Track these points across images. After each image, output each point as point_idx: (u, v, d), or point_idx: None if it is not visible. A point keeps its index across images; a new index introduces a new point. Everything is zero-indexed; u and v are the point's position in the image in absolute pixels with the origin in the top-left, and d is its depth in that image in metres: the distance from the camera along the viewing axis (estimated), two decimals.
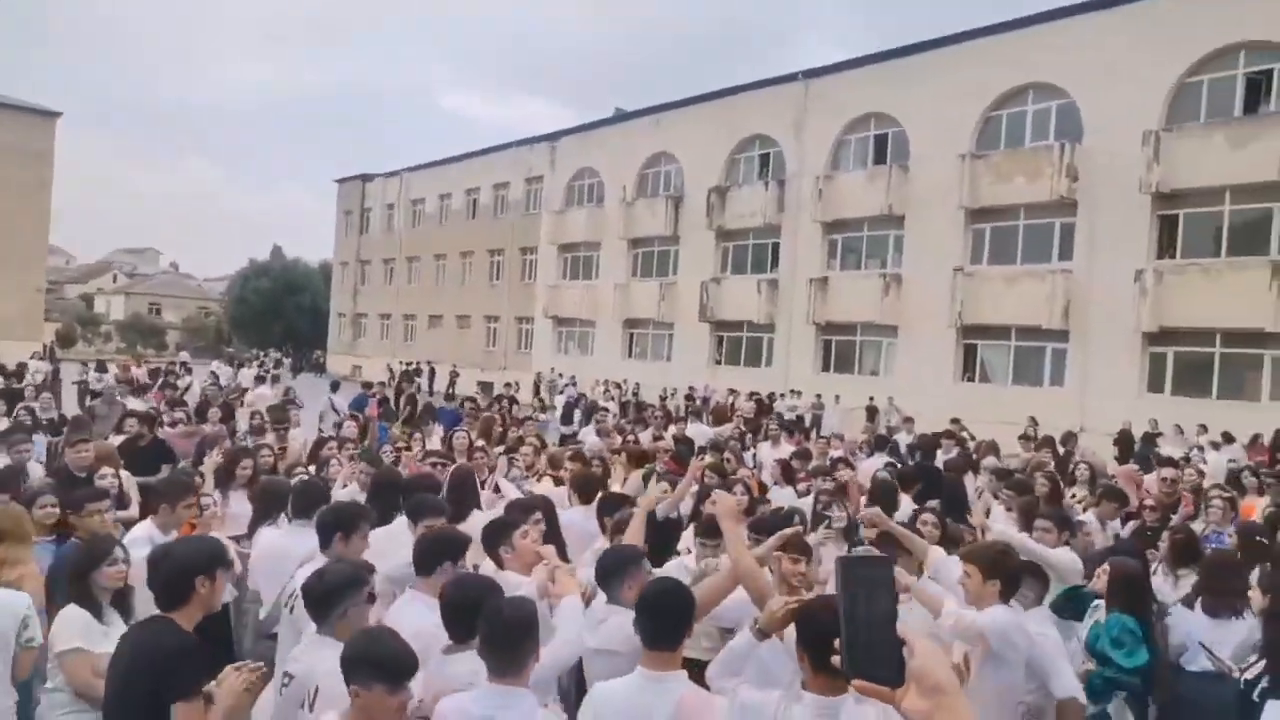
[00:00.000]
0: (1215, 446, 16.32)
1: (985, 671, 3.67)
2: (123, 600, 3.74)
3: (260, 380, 14.41)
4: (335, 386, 16.74)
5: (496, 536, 4.34)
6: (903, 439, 14.25)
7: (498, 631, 2.80)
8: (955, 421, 17.37)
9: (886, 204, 25.12)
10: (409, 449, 8.59)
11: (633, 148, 33.66)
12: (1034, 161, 22.33)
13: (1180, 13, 20.11)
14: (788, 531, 3.95)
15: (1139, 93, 20.56)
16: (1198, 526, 6.83)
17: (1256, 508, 8.26)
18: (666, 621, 2.97)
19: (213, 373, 21.34)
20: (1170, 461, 10.19)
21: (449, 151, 46.01)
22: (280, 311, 54.65)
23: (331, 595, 3.10)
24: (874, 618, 1.09)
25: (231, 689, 2.65)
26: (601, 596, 3.66)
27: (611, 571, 3.62)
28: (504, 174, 40.00)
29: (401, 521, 4.77)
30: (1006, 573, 3.97)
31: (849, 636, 1.10)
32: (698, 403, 22.73)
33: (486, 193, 41.33)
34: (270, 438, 9.05)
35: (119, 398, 13.46)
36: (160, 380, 17.96)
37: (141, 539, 4.65)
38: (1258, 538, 6.05)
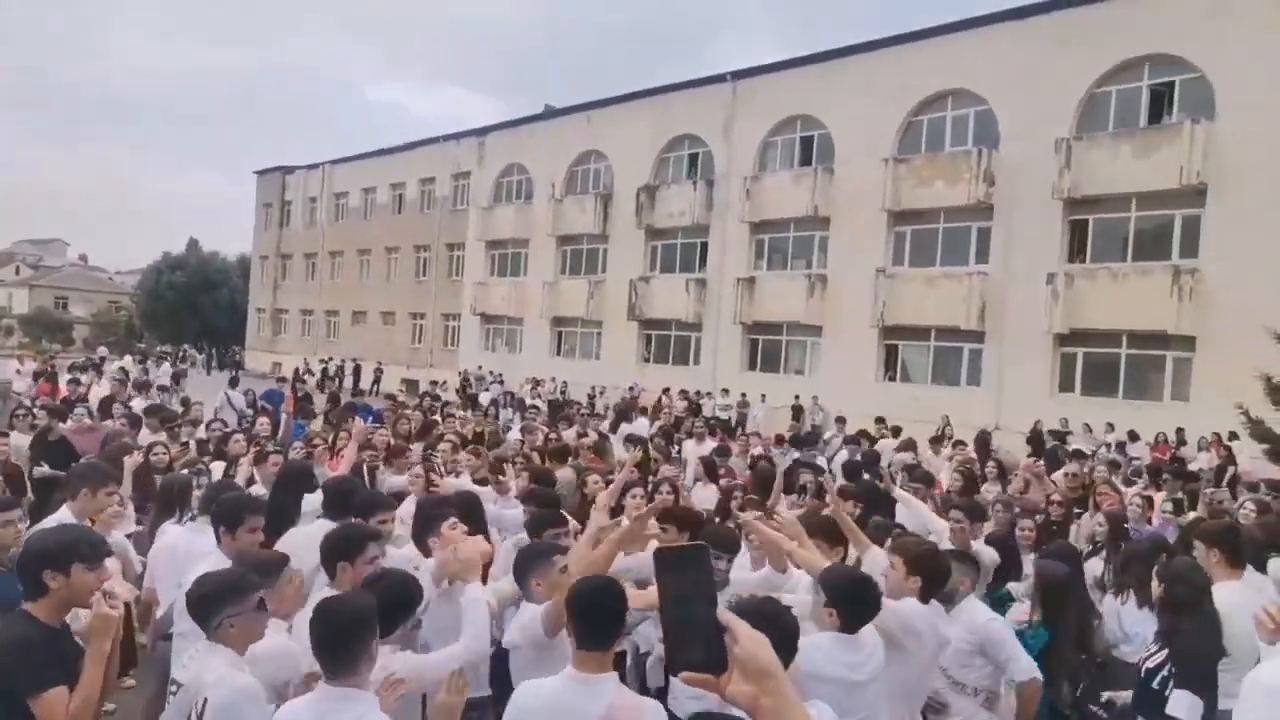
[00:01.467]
0: (1120, 446, 17.02)
1: (888, 662, 3.67)
2: None
3: (176, 380, 13.76)
4: (234, 382, 16.23)
5: (424, 527, 4.32)
6: (835, 442, 14.44)
7: (328, 632, 2.68)
8: (880, 421, 17.78)
9: (812, 205, 25.49)
10: (326, 446, 8.36)
11: (563, 145, 33.48)
12: (953, 166, 22.93)
13: (1091, 25, 20.87)
14: (657, 505, 4.06)
15: (1052, 101, 21.27)
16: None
17: (1157, 501, 8.58)
18: (598, 620, 2.88)
19: (121, 369, 20.46)
20: (1077, 455, 10.55)
21: (373, 144, 45.18)
22: (196, 307, 52.79)
23: (210, 603, 2.95)
24: (693, 607, 1.08)
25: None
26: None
27: (519, 567, 3.56)
28: (431, 169, 39.37)
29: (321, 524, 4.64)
30: (931, 572, 3.89)
31: (669, 627, 1.09)
32: (632, 400, 22.83)
33: (413, 188, 40.63)
34: (163, 436, 8.71)
35: (14, 393, 12.80)
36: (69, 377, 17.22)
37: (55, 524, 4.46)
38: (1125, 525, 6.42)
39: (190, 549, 4.40)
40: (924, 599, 3.82)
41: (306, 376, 29.15)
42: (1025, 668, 4.02)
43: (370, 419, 11.54)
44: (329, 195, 45.49)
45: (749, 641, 1.06)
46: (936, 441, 14.66)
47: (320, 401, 17.16)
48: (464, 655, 3.11)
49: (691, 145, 29.82)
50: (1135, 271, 20.30)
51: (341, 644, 2.65)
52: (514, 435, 11.22)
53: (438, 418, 12.76)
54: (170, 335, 51.75)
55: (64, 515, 4.82)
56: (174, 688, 2.96)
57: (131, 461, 6.88)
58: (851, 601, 3.38)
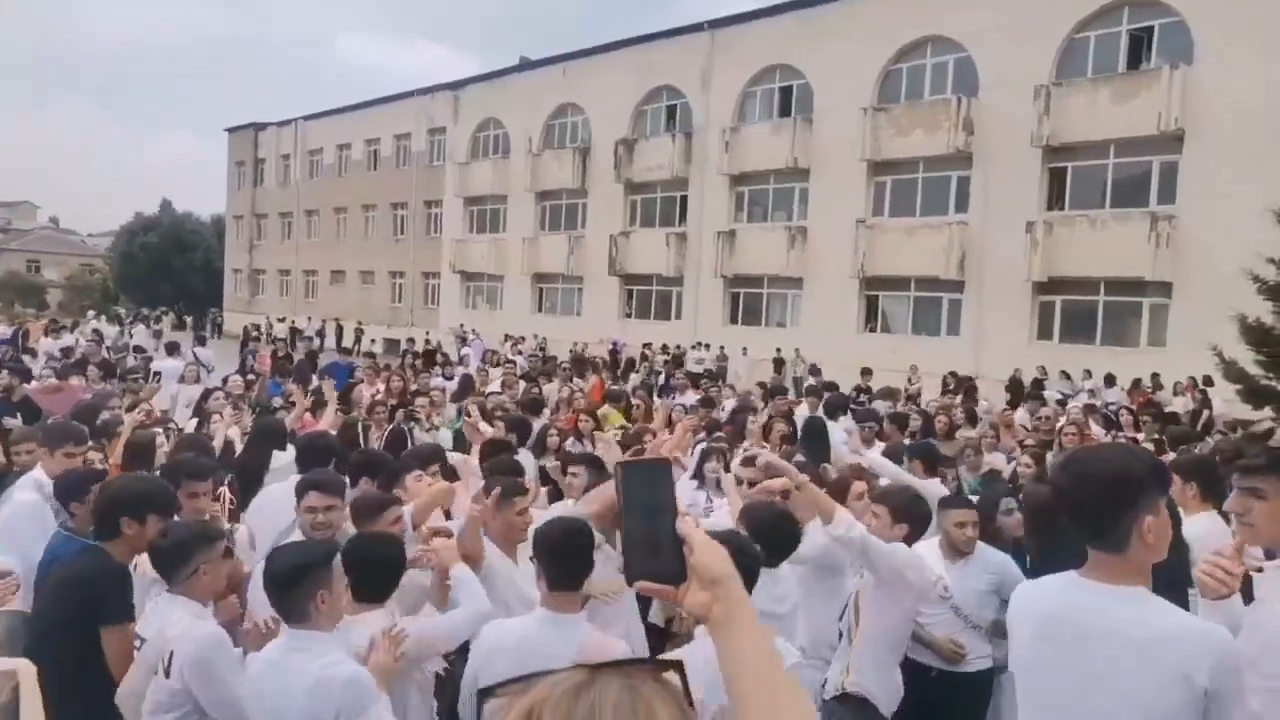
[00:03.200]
0: (1095, 392, 17.18)
1: (874, 602, 3.70)
2: None
3: (172, 351, 13.40)
4: (201, 340, 16.10)
5: (390, 480, 4.37)
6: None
7: (272, 578, 2.68)
8: (866, 372, 17.75)
9: (792, 157, 25.28)
10: (306, 407, 8.26)
11: (538, 98, 32.94)
12: (932, 115, 22.74)
13: None
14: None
15: (1030, 48, 21.06)
16: None
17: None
18: (568, 561, 2.90)
19: (95, 330, 20.18)
20: (1052, 401, 10.60)
21: (347, 99, 44.25)
22: (170, 269, 51.98)
23: (184, 550, 2.90)
24: (653, 519, 1.09)
25: None
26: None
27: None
28: (406, 124, 38.69)
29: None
30: (915, 517, 3.98)
31: (628, 539, 1.10)
32: (615, 356, 22.86)
33: (388, 143, 39.96)
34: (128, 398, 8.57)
35: None
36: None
37: (29, 483, 4.51)
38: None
39: None
40: (909, 544, 3.89)
41: (272, 336, 28.75)
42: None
43: (347, 377, 11.44)
44: (303, 152, 44.69)
45: (703, 550, 1.07)
46: (912, 399, 14.69)
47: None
48: (472, 618, 3.06)
49: (670, 97, 29.42)
50: (1114, 218, 20.31)
51: (286, 588, 2.64)
52: (493, 389, 11.16)
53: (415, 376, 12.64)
54: (146, 298, 50.97)
55: (38, 474, 4.69)
56: (138, 642, 2.91)
57: (132, 420, 6.75)
58: (773, 537, 3.50)
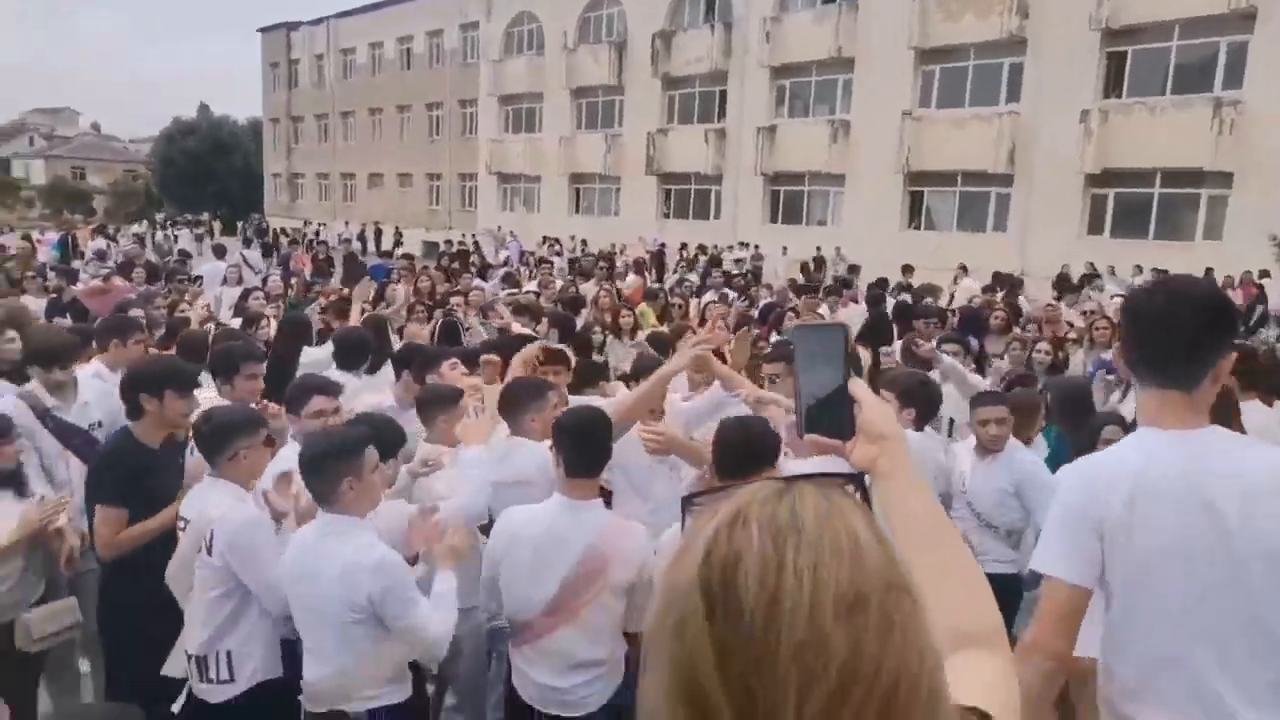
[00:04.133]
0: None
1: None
2: (13, 479, 3.46)
3: (220, 254, 13.49)
4: (248, 243, 16.26)
5: (424, 368, 4.46)
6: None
7: (305, 461, 2.76)
8: (907, 269, 17.39)
9: (835, 46, 24.32)
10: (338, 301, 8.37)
11: None
12: None
13: None
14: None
15: None
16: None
17: None
18: (587, 449, 2.93)
19: (135, 234, 20.49)
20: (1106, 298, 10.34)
21: None
22: (211, 173, 52.18)
23: (218, 435, 2.99)
24: (826, 378, 1.16)
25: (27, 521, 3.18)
26: (501, 431, 3.60)
27: (514, 404, 3.56)
28: (438, 20, 37.78)
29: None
30: (924, 400, 4.02)
31: (805, 396, 1.18)
32: (660, 257, 22.71)
33: (420, 41, 39.15)
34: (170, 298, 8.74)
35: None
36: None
37: (89, 375, 4.56)
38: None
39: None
40: (919, 427, 3.92)
41: (311, 241, 28.87)
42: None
43: (384, 277, 11.54)
44: (335, 52, 44.03)
45: (871, 409, 1.15)
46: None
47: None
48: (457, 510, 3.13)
49: None
50: (1174, 105, 19.37)
51: (313, 473, 2.72)
52: (530, 287, 11.21)
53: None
54: (188, 203, 51.45)
55: (96, 367, 4.77)
56: (183, 524, 3.03)
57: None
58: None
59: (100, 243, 17.50)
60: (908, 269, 17.48)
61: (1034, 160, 21.21)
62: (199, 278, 11.65)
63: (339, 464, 2.68)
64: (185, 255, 17.62)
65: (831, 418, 1.15)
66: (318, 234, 34.64)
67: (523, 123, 35.07)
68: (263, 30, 49.08)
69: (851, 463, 1.13)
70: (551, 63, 32.68)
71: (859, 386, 1.16)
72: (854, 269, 17.97)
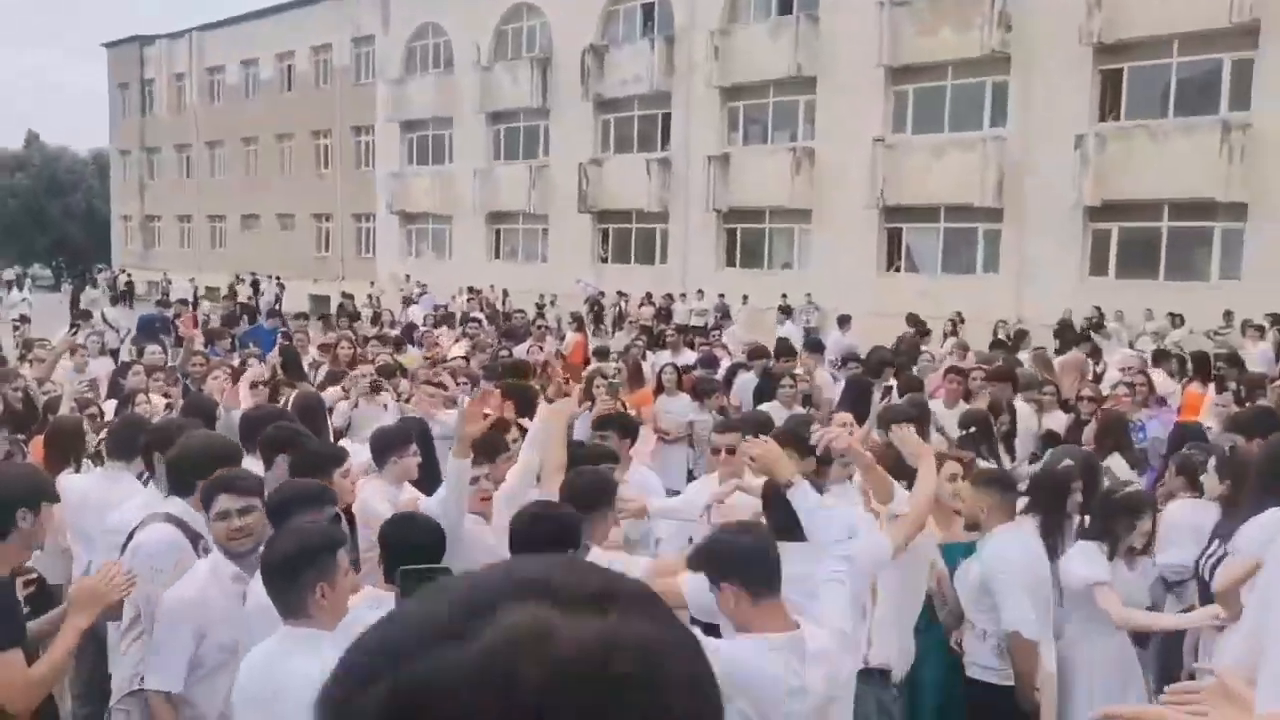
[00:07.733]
0: (1159, 336, 17.44)
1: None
2: None
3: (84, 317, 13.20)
4: (114, 300, 16.07)
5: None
6: (834, 340, 14.49)
7: (269, 569, 2.87)
8: (913, 319, 16.56)
9: (795, 63, 25.16)
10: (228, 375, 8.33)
11: None
12: (962, 9, 22.63)
13: None
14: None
15: None
16: None
17: (1208, 398, 8.73)
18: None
19: None
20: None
21: (252, 4, 43.34)
22: (44, 217, 51.27)
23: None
24: None
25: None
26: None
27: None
28: (325, 34, 38.12)
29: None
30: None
31: None
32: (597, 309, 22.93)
33: (304, 58, 39.38)
34: (26, 370, 8.60)
35: None
36: None
37: None
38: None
39: (106, 499, 4.60)
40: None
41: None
42: (1012, 618, 4.15)
43: (274, 341, 11.40)
44: (200, 71, 43.97)
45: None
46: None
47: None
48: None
49: None
50: (1177, 129, 20.48)
51: (281, 579, 2.83)
52: (457, 351, 11.26)
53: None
54: (17, 253, 50.33)
55: None
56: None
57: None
58: None
59: None
60: (914, 319, 16.56)
61: (1025, 192, 22.10)
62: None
63: (310, 566, 2.77)
64: (24, 320, 17.27)
65: None
66: (166, 291, 34.01)
67: (429, 153, 35.35)
68: (109, 45, 48.85)
69: None
70: (463, 82, 33.13)
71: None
72: (842, 320, 17.16)
